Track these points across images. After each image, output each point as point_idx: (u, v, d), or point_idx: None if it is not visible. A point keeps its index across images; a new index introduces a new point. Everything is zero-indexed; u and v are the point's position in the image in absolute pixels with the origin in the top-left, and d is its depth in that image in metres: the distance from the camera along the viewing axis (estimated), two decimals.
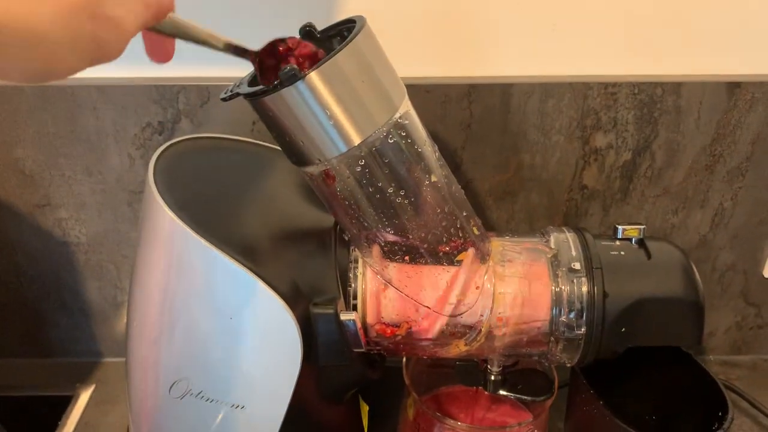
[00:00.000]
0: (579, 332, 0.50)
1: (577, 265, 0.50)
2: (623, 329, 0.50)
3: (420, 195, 0.47)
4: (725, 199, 0.71)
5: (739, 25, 0.64)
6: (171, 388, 0.47)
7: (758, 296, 0.76)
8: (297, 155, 0.45)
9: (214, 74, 0.65)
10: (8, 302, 0.75)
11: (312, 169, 0.45)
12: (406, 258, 0.50)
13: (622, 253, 0.51)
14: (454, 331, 0.51)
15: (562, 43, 0.65)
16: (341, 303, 0.48)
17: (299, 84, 0.40)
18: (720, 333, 0.79)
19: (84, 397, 0.74)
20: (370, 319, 0.50)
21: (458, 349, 0.52)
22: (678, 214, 0.72)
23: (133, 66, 0.65)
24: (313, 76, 0.40)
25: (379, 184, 0.45)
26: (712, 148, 0.68)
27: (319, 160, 0.44)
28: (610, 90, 0.65)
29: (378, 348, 0.53)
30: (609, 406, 0.55)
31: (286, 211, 0.52)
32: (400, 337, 0.51)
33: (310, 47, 0.42)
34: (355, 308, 0.50)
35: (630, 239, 0.52)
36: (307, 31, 0.47)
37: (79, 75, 0.67)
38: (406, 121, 0.45)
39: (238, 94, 0.43)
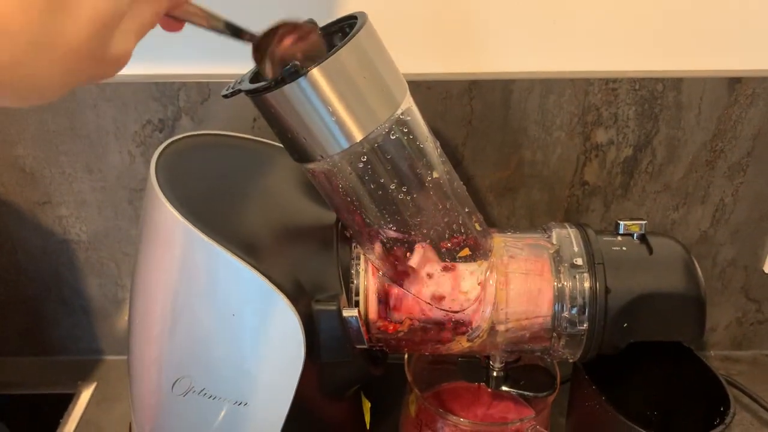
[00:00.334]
0: (581, 328, 0.50)
1: (579, 261, 0.50)
2: (625, 324, 0.50)
3: (422, 191, 0.47)
4: (726, 195, 0.71)
5: (739, 20, 0.64)
6: (173, 385, 0.47)
7: (759, 292, 0.77)
8: (299, 152, 0.45)
9: (214, 71, 0.65)
10: (9, 300, 0.75)
11: (314, 166, 0.45)
12: (408, 254, 0.50)
13: (624, 248, 0.51)
14: (456, 327, 0.51)
15: (563, 38, 0.65)
16: (343, 299, 0.48)
17: (301, 80, 0.40)
18: (721, 328, 0.79)
19: (85, 394, 0.74)
20: (372, 316, 0.50)
21: (460, 345, 0.52)
22: (679, 210, 0.72)
23: (133, 63, 0.65)
24: (315, 73, 0.40)
25: (381, 181, 0.45)
26: (713, 144, 0.68)
27: (321, 157, 0.44)
28: (610, 86, 0.65)
29: (380, 344, 0.53)
30: (610, 401, 0.55)
31: (287, 208, 0.52)
32: (402, 333, 0.51)
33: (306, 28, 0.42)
34: (357, 305, 0.50)
35: (631, 235, 0.52)
36: None
37: None
38: (408, 117, 0.45)
39: (239, 91, 0.43)
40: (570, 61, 0.66)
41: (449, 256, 0.50)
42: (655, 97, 0.65)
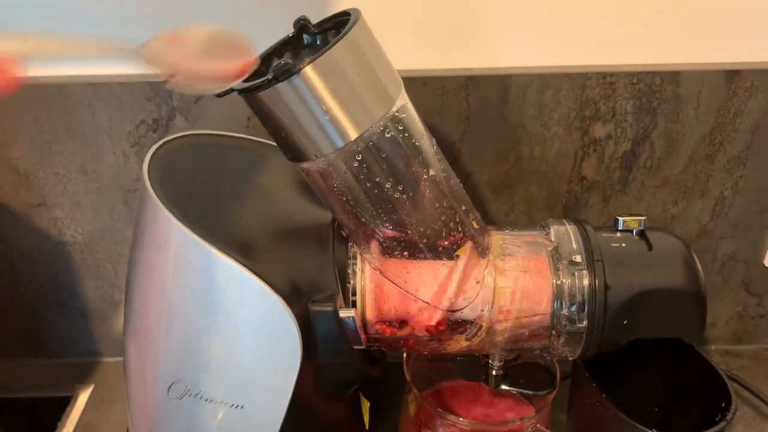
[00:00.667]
0: (581, 325, 0.49)
1: (577, 258, 0.50)
2: (625, 322, 0.49)
3: (418, 189, 0.46)
4: (725, 189, 0.70)
5: (737, 12, 0.63)
6: (169, 388, 0.46)
7: (759, 286, 0.76)
8: (293, 151, 0.44)
9: None
10: (5, 303, 0.75)
11: (308, 165, 0.44)
12: (405, 253, 0.49)
13: (623, 244, 0.51)
14: (454, 327, 0.51)
15: (560, 32, 0.64)
16: (340, 300, 0.48)
17: (294, 78, 0.40)
18: (721, 323, 0.79)
19: (83, 397, 0.74)
20: (369, 316, 0.50)
21: (459, 344, 0.52)
22: (678, 205, 0.71)
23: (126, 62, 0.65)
24: (308, 70, 0.40)
25: (377, 179, 0.45)
26: (712, 137, 0.67)
27: (316, 156, 0.43)
28: (608, 80, 0.64)
29: (378, 344, 0.52)
30: (611, 397, 0.54)
31: (282, 208, 0.51)
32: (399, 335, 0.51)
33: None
34: (354, 305, 0.50)
35: (631, 230, 0.52)
36: (302, 25, 0.46)
37: (74, 72, 0.67)
38: (403, 115, 0.44)
39: (232, 90, 0.42)
40: (567, 56, 0.65)
41: (447, 255, 0.50)
42: (653, 90, 0.65)
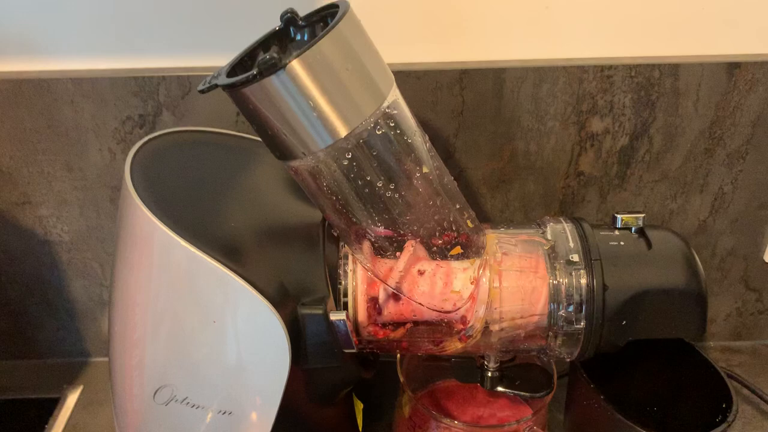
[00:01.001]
0: (578, 326, 0.48)
1: (575, 257, 0.48)
2: (624, 322, 0.48)
3: (411, 188, 0.45)
4: (725, 183, 0.69)
5: (738, 2, 0.62)
6: (155, 394, 0.45)
7: (759, 281, 0.75)
8: (280, 149, 0.43)
9: (195, 64, 0.63)
10: None
11: (296, 164, 0.43)
12: (398, 254, 0.48)
13: (622, 243, 0.49)
14: (449, 328, 0.49)
15: (556, 24, 0.63)
16: (331, 302, 0.47)
17: (280, 73, 0.38)
18: (720, 319, 0.77)
19: (71, 398, 0.72)
20: (361, 318, 0.49)
21: (454, 346, 0.50)
22: (677, 200, 0.70)
23: (110, 56, 0.63)
24: (295, 65, 0.38)
25: (368, 178, 0.43)
26: (712, 131, 0.66)
27: (304, 154, 0.42)
28: (606, 73, 0.63)
29: (370, 347, 0.51)
30: (608, 397, 0.53)
31: (271, 208, 0.50)
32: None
33: None
34: (345, 307, 0.48)
35: (629, 228, 0.51)
36: (289, 18, 0.44)
37: (55, 67, 0.65)
38: (395, 111, 0.43)
39: (216, 86, 0.41)
40: (563, 48, 0.64)
41: (440, 254, 0.48)
42: (652, 83, 0.63)
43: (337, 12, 0.41)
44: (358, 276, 0.49)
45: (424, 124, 0.46)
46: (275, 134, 0.41)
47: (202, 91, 0.41)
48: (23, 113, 0.63)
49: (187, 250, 0.41)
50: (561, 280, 0.48)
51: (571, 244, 0.49)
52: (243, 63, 0.44)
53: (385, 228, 0.46)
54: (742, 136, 0.66)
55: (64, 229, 0.70)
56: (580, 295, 0.48)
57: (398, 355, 0.58)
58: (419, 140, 0.45)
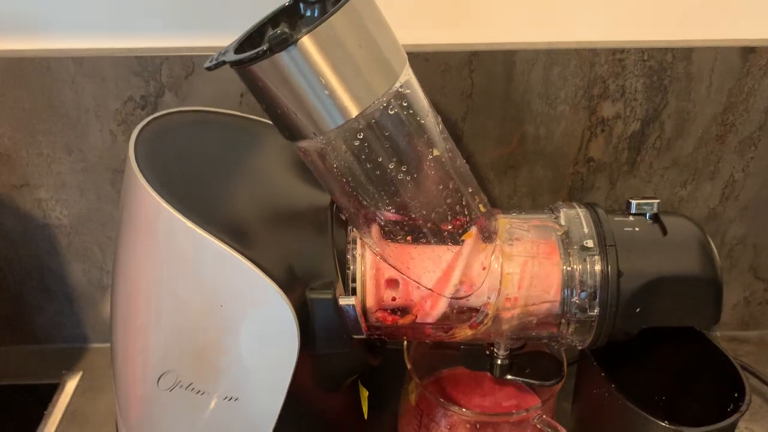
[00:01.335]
0: (592, 313, 0.47)
1: (589, 243, 0.47)
2: (638, 309, 0.47)
3: (422, 170, 0.44)
4: (736, 170, 0.68)
5: None
6: (159, 380, 0.44)
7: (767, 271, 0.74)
8: (289, 129, 0.41)
9: (198, 44, 0.62)
10: None
11: (306, 144, 0.42)
12: (408, 238, 0.47)
13: (637, 229, 0.48)
14: (459, 315, 0.48)
15: (568, 6, 0.61)
16: (340, 287, 0.45)
17: (291, 49, 0.37)
18: (728, 308, 0.77)
19: (71, 384, 0.71)
20: (370, 303, 0.48)
21: (464, 333, 0.49)
22: (687, 187, 0.69)
23: (112, 36, 0.62)
24: (306, 41, 0.37)
25: (379, 159, 0.42)
26: (724, 117, 0.65)
27: (314, 134, 0.40)
28: (618, 56, 0.62)
29: (378, 333, 0.50)
30: (617, 385, 0.52)
31: (278, 190, 0.48)
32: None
33: None
34: (354, 292, 0.47)
35: (644, 214, 0.49)
36: None
37: (55, 45, 0.63)
38: (408, 91, 0.42)
39: (223, 62, 0.39)
40: (575, 31, 0.62)
41: (452, 239, 0.47)
42: (665, 68, 0.62)
43: None
44: (367, 261, 0.48)
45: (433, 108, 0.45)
46: (284, 113, 0.40)
47: (209, 68, 0.40)
48: (22, 93, 0.62)
49: (193, 231, 0.40)
50: (575, 267, 0.47)
51: (586, 230, 0.48)
52: (251, 40, 0.43)
53: (395, 212, 0.45)
54: (754, 123, 0.65)
55: (63, 212, 0.68)
56: (594, 282, 0.47)
57: (405, 342, 0.57)
58: (432, 121, 0.44)
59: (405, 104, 0.42)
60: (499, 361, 0.53)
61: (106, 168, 0.66)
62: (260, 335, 0.43)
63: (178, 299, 0.43)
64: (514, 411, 0.57)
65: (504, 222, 0.50)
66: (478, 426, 0.54)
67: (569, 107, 0.64)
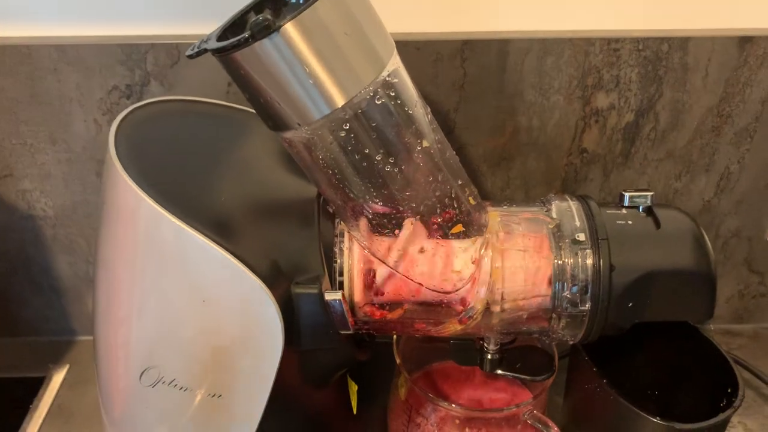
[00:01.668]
0: (583, 308, 0.46)
1: (581, 236, 0.46)
2: (630, 304, 0.46)
3: (411, 162, 0.43)
4: (731, 163, 0.67)
5: None
6: (141, 375, 0.43)
7: (762, 263, 0.74)
8: (273, 119, 0.40)
9: (184, 32, 0.60)
10: None
11: (291, 135, 0.41)
12: (396, 231, 0.45)
13: (630, 222, 0.48)
14: (448, 309, 0.47)
15: None
16: (326, 281, 0.44)
17: (274, 36, 0.36)
18: (722, 302, 0.76)
19: (57, 378, 0.71)
20: (357, 298, 0.47)
21: (453, 327, 0.48)
22: (681, 179, 0.68)
23: (96, 23, 0.60)
24: (290, 28, 0.36)
25: (366, 151, 0.41)
26: (720, 108, 0.64)
27: (299, 124, 0.39)
28: (612, 46, 0.60)
29: (367, 328, 0.49)
30: (609, 380, 0.52)
31: (264, 182, 0.47)
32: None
33: None
34: (341, 286, 0.46)
35: (637, 207, 0.49)
36: None
37: (37, 33, 0.62)
38: (396, 80, 0.41)
39: (205, 50, 0.38)
40: (569, 20, 0.61)
41: (441, 233, 0.46)
42: (660, 58, 0.61)
43: None
44: (355, 254, 0.47)
45: (423, 98, 0.44)
46: (268, 103, 0.39)
47: (190, 56, 0.39)
48: (4, 82, 0.60)
49: (174, 225, 0.39)
50: (566, 260, 0.46)
51: (577, 223, 0.47)
52: (234, 27, 0.42)
53: (383, 204, 0.44)
54: (750, 114, 0.64)
55: (48, 203, 0.67)
56: (586, 276, 0.46)
57: (394, 337, 0.56)
58: (420, 112, 0.43)
59: (393, 94, 0.41)
60: (489, 356, 0.52)
61: (91, 158, 0.65)
62: (243, 331, 0.42)
63: (159, 294, 0.42)
64: (504, 407, 0.56)
65: (494, 215, 0.49)
66: (467, 421, 0.53)
67: (563, 97, 0.63)
